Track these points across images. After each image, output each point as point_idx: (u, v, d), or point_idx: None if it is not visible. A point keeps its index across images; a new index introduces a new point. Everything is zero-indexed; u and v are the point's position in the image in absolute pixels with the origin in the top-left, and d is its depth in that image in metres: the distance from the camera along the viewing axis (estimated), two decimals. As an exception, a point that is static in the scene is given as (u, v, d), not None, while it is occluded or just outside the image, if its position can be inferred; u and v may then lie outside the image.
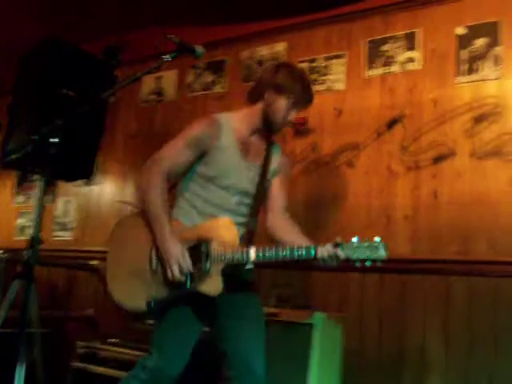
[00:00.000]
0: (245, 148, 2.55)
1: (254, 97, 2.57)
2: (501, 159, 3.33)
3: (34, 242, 2.19)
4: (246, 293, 2.53)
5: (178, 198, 2.59)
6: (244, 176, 2.53)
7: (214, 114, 2.55)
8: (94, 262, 4.82)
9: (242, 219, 2.51)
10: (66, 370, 3.84)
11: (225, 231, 2.36)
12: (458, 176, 3.44)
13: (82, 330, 4.68)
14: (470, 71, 3.52)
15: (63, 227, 5.25)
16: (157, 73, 4.80)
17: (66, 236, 5.19)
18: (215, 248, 2.33)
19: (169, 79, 4.90)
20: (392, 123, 3.69)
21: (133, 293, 2.43)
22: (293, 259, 2.22)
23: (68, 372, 3.81)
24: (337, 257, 2.19)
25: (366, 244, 2.18)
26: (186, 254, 2.33)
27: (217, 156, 2.48)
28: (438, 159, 3.52)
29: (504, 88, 3.40)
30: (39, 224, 2.28)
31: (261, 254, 2.26)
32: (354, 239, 2.20)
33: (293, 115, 2.54)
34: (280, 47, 4.33)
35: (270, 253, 2.25)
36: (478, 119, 3.44)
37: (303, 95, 2.52)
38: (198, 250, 2.36)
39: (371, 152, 3.75)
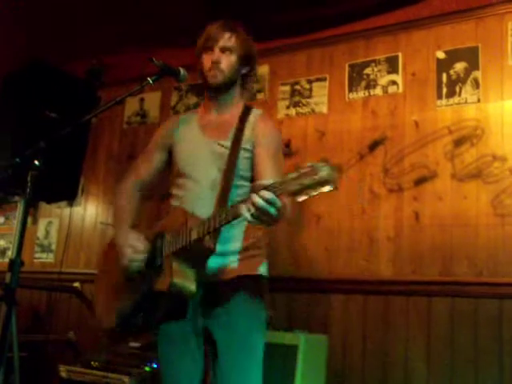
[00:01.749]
0: (207, 127, 2.42)
1: None
2: (481, 181, 3.37)
3: (15, 264, 2.17)
4: (228, 309, 2.24)
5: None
6: (208, 156, 2.34)
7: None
8: (76, 284, 4.78)
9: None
10: (46, 395, 3.79)
11: (179, 221, 2.18)
12: (439, 198, 3.47)
13: (62, 354, 4.63)
14: (450, 94, 3.57)
15: (45, 249, 5.20)
16: (140, 94, 4.81)
17: (48, 258, 5.14)
18: (168, 240, 2.18)
19: (152, 101, 4.91)
20: (374, 145, 3.72)
21: (108, 308, 2.36)
22: (228, 221, 1.94)
23: (48, 396, 3.76)
24: (266, 200, 1.73)
25: (300, 172, 1.65)
26: (138, 238, 2.25)
27: (177, 147, 2.44)
28: (419, 181, 3.56)
29: (483, 111, 3.46)
30: (20, 246, 2.26)
31: (200, 230, 2.02)
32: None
33: (204, 59, 2.40)
34: (263, 69, 4.36)
35: (208, 224, 2.00)
36: (459, 142, 3.49)
37: (203, 36, 2.44)
38: (154, 246, 2.23)
39: (353, 174, 3.78)
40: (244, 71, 2.44)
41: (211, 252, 2.13)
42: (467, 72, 3.55)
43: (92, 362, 3.75)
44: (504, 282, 3.20)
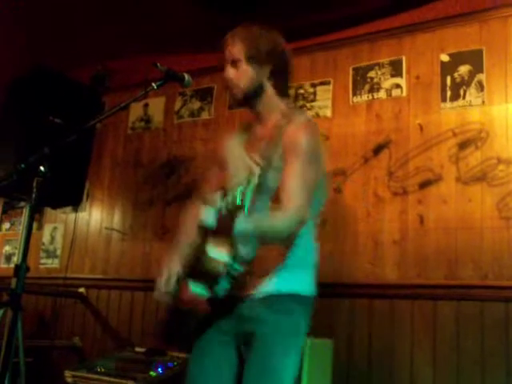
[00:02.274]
0: (249, 141, 2.34)
1: None
2: (486, 184, 3.37)
3: (21, 270, 2.17)
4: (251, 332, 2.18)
5: None
6: (244, 171, 2.25)
7: None
8: (81, 290, 4.79)
9: None
10: (51, 400, 3.79)
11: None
12: (443, 201, 3.46)
13: (67, 359, 4.63)
14: (455, 97, 3.57)
15: (50, 254, 5.21)
16: (144, 100, 4.82)
17: (53, 263, 5.15)
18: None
19: (156, 106, 4.91)
20: (378, 149, 3.72)
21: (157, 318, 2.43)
22: None
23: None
24: None
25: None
26: (168, 273, 2.25)
27: (228, 161, 2.40)
28: (424, 184, 3.55)
29: (488, 114, 3.45)
30: (26, 252, 2.26)
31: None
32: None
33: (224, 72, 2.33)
34: (267, 74, 4.36)
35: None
36: (463, 145, 3.48)
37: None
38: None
39: (358, 177, 3.77)
40: (264, 71, 2.27)
41: (218, 275, 2.08)
42: (471, 75, 3.54)
43: (97, 368, 3.75)
44: (509, 285, 3.19)
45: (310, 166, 2.15)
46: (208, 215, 1.90)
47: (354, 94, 3.92)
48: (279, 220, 2.09)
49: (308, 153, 2.15)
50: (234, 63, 2.28)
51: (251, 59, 2.25)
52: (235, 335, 2.24)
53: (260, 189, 2.14)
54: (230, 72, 2.29)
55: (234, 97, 2.31)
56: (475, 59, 3.55)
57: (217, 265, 2.06)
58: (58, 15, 4.44)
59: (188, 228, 2.42)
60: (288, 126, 2.19)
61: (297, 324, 2.21)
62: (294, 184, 2.10)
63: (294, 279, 2.22)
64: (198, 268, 2.11)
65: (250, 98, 2.29)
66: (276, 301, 2.17)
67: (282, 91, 2.33)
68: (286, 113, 2.27)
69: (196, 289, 2.08)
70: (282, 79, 2.31)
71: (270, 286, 2.19)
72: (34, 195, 2.17)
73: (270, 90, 2.29)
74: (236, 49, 2.27)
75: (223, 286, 2.09)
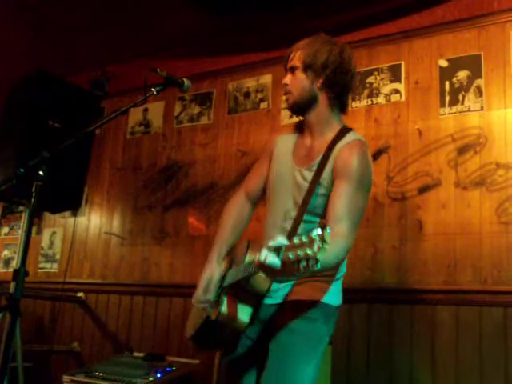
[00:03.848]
0: (298, 152, 2.31)
1: None
2: (485, 189, 3.37)
3: (20, 274, 2.17)
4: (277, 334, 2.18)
5: None
6: (289, 184, 2.26)
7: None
8: (80, 294, 4.78)
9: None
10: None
11: (242, 252, 2.14)
12: (442, 206, 3.47)
13: (66, 364, 4.62)
14: (453, 103, 3.58)
15: (49, 259, 5.21)
16: (144, 105, 4.83)
17: (52, 268, 5.15)
18: (230, 272, 2.21)
19: (156, 111, 4.92)
20: (377, 154, 3.72)
21: (190, 320, 2.44)
22: (250, 275, 1.97)
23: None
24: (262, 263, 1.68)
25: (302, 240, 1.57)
26: (213, 278, 2.26)
27: (271, 166, 2.38)
28: (423, 189, 3.55)
29: (486, 119, 3.46)
30: (25, 256, 2.26)
31: (240, 274, 2.02)
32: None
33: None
34: (266, 79, 4.38)
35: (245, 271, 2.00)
36: (462, 150, 3.49)
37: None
38: (224, 275, 2.28)
39: (357, 182, 3.77)
40: (318, 84, 2.24)
41: (263, 294, 2.10)
42: (470, 80, 3.55)
43: (96, 372, 3.75)
44: (508, 290, 3.19)
45: (361, 193, 2.14)
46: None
47: (353, 100, 3.92)
48: (338, 249, 1.99)
49: (360, 178, 2.14)
50: (292, 69, 2.28)
51: (307, 68, 2.24)
52: (259, 339, 2.25)
53: (305, 206, 2.16)
54: (287, 78, 2.30)
55: (287, 102, 2.32)
56: (474, 64, 3.56)
57: (263, 284, 2.07)
58: (59, 21, 4.45)
59: (228, 223, 2.43)
60: (342, 147, 2.18)
61: (320, 332, 2.21)
62: (344, 208, 2.08)
63: (321, 288, 2.23)
64: (244, 286, 2.09)
65: (303, 107, 2.28)
66: (301, 308, 2.17)
67: (337, 106, 2.30)
68: (339, 131, 2.25)
69: (242, 315, 2.10)
70: (336, 93, 2.26)
71: (296, 293, 2.21)
72: (33, 200, 2.17)
73: (323, 101, 2.26)
74: (297, 56, 2.27)
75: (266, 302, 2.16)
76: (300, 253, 1.53)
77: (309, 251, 1.51)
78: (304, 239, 1.53)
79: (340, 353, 3.48)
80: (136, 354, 4.11)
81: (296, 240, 1.56)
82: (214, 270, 2.29)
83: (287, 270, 1.61)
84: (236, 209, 2.47)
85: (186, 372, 3.81)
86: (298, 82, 2.25)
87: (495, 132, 3.42)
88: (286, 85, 2.28)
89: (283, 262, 1.60)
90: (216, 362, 3.41)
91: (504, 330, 3.15)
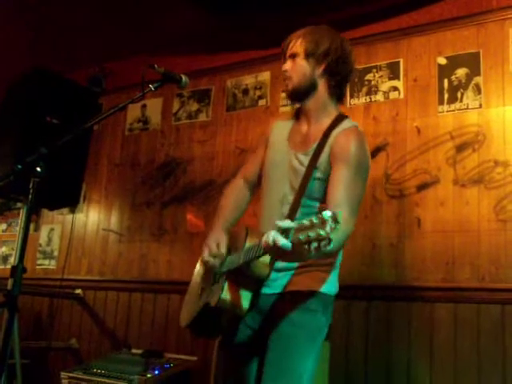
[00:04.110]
0: (294, 137, 2.33)
1: None
2: (483, 186, 3.37)
3: (18, 271, 2.17)
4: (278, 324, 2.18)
5: None
6: (286, 168, 2.27)
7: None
8: (78, 291, 4.78)
9: None
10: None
11: (241, 238, 2.14)
12: (441, 204, 3.47)
13: (64, 361, 4.62)
14: (452, 100, 3.58)
15: (47, 256, 5.20)
16: (142, 101, 4.82)
17: (50, 264, 5.15)
18: (230, 257, 2.20)
19: (154, 107, 4.91)
20: (376, 151, 3.72)
21: (185, 307, 2.43)
22: (255, 258, 1.98)
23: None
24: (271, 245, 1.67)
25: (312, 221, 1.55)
26: (222, 241, 2.24)
27: (267, 153, 2.40)
28: (421, 187, 3.55)
29: (485, 116, 3.46)
30: (23, 253, 2.26)
31: (242, 258, 2.03)
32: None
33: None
34: (264, 76, 4.38)
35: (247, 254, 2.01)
36: (461, 147, 3.49)
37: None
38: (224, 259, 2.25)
39: (355, 180, 3.77)
40: (319, 71, 2.26)
41: (263, 279, 2.11)
42: (469, 78, 3.55)
43: (94, 369, 3.75)
44: (506, 287, 3.19)
45: (359, 179, 2.15)
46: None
47: (352, 97, 3.92)
48: (342, 234, 1.93)
49: (358, 163, 2.15)
50: (293, 56, 2.29)
51: (309, 55, 2.26)
52: (259, 329, 2.25)
53: (302, 191, 2.17)
54: (287, 64, 2.31)
55: (286, 87, 2.32)
56: (472, 62, 3.56)
57: (264, 269, 2.08)
58: (59, 20, 4.45)
59: (228, 204, 2.46)
60: (338, 133, 2.20)
61: (319, 323, 2.22)
62: (343, 194, 2.08)
63: (320, 278, 2.23)
64: (244, 271, 2.09)
65: (301, 93, 2.29)
66: (301, 299, 2.18)
67: (335, 94, 2.32)
68: (335, 118, 2.27)
69: (243, 300, 2.09)
70: (335, 81, 2.29)
71: (295, 283, 2.21)
72: (30, 196, 2.17)
73: (322, 89, 2.29)
74: (298, 43, 2.29)
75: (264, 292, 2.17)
76: (311, 234, 1.52)
77: (322, 232, 1.50)
78: (315, 220, 1.52)
79: (338, 349, 3.48)
80: (134, 350, 4.11)
81: (306, 221, 1.55)
82: (220, 236, 2.28)
83: (297, 252, 1.60)
84: (236, 191, 2.50)
85: (184, 369, 3.81)
86: (299, 68, 2.27)
87: (494, 130, 3.42)
88: (286, 71, 2.30)
89: (293, 244, 1.59)
90: (214, 356, 3.40)
91: (502, 327, 3.16)
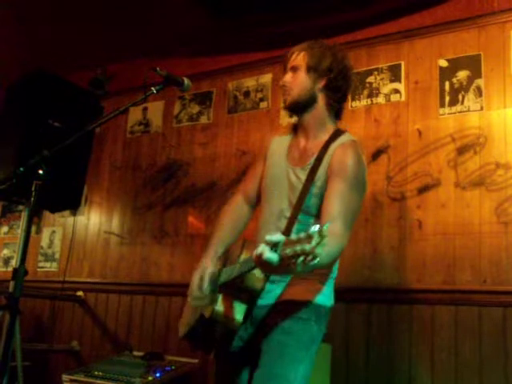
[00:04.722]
0: (292, 152, 2.34)
1: None
2: (484, 189, 3.37)
3: (19, 273, 2.17)
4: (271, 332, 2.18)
5: None
6: (284, 184, 2.28)
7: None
8: (79, 293, 4.78)
9: None
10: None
11: (238, 251, 2.18)
12: (442, 206, 3.47)
13: (65, 363, 4.62)
14: (453, 103, 3.58)
15: (48, 258, 5.21)
16: (143, 104, 4.82)
17: (51, 267, 5.15)
18: (225, 269, 2.20)
19: (155, 110, 4.92)
20: (377, 154, 3.72)
21: (183, 318, 2.44)
22: (247, 272, 2.01)
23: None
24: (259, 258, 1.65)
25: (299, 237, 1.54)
26: (207, 274, 2.22)
27: (265, 168, 2.40)
28: (422, 189, 3.55)
29: (486, 119, 3.46)
30: (24, 255, 2.27)
31: (235, 271, 2.05)
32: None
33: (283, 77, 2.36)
34: (266, 79, 4.38)
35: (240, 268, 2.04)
36: (462, 150, 3.49)
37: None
38: (219, 272, 2.26)
39: (356, 182, 3.77)
40: (320, 85, 2.28)
41: (258, 292, 2.12)
42: (470, 80, 3.55)
43: (95, 372, 3.75)
44: (508, 290, 3.19)
45: (355, 193, 2.15)
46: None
47: (353, 99, 3.92)
48: (334, 247, 1.94)
49: (354, 177, 2.15)
50: (294, 69, 2.30)
51: (310, 69, 2.26)
52: (252, 338, 2.25)
53: (299, 206, 2.18)
54: (287, 76, 2.31)
55: (285, 100, 2.33)
56: (473, 64, 3.56)
57: (258, 282, 2.09)
58: (59, 19, 4.45)
59: (224, 224, 2.44)
60: (336, 148, 2.20)
61: (312, 332, 2.21)
62: (338, 208, 2.08)
63: (314, 289, 2.23)
64: (238, 284, 2.10)
65: (300, 106, 2.30)
66: (293, 308, 2.18)
67: (334, 109, 2.33)
68: (333, 133, 2.28)
69: (236, 313, 2.10)
70: (335, 96, 2.30)
71: (289, 293, 2.21)
72: (32, 199, 2.18)
73: (321, 103, 2.30)
74: (300, 56, 2.29)
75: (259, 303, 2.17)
76: (298, 248, 1.51)
77: (307, 247, 1.49)
78: (302, 235, 1.52)
79: (339, 352, 3.48)
80: (135, 353, 4.10)
81: (294, 236, 1.55)
82: (208, 267, 2.27)
83: (284, 266, 1.59)
84: (234, 210, 2.49)
85: (185, 371, 3.81)
86: (300, 81, 2.27)
87: (495, 132, 3.42)
88: (286, 83, 2.30)
89: (281, 258, 1.58)
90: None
91: (503, 330, 3.15)
